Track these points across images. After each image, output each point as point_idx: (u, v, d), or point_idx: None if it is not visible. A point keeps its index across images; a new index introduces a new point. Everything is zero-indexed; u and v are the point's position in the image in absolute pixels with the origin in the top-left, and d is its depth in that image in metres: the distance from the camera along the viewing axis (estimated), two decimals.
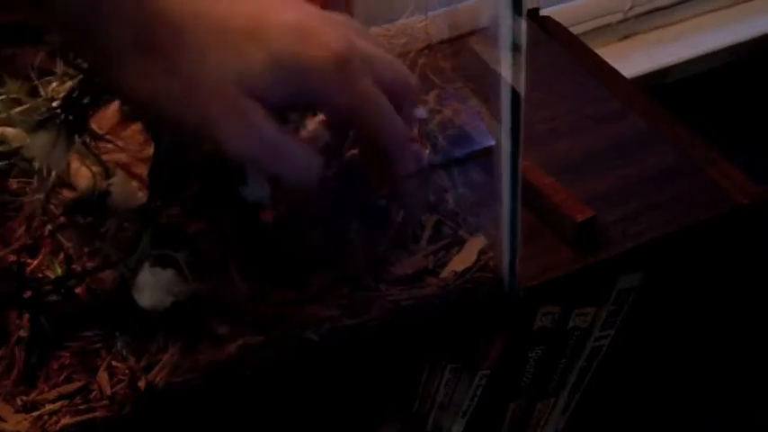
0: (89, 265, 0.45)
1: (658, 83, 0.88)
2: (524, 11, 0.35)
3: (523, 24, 0.35)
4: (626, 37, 0.92)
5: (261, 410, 0.45)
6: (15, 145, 0.46)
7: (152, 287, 0.40)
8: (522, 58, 0.36)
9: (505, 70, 0.36)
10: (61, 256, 0.46)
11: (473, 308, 0.45)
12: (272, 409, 0.46)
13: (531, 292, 0.48)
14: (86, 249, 0.45)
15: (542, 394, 0.59)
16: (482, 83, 0.55)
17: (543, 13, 0.69)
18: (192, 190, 0.48)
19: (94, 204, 0.46)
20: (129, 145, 0.51)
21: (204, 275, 0.43)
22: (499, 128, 0.39)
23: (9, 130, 0.46)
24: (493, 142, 0.50)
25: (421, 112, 0.55)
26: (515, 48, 0.35)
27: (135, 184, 0.47)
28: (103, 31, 0.37)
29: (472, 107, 0.55)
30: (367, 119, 0.41)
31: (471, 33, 0.63)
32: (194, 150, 0.46)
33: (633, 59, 0.86)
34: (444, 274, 0.43)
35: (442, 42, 0.63)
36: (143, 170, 0.49)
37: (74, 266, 0.45)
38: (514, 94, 0.36)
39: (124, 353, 0.41)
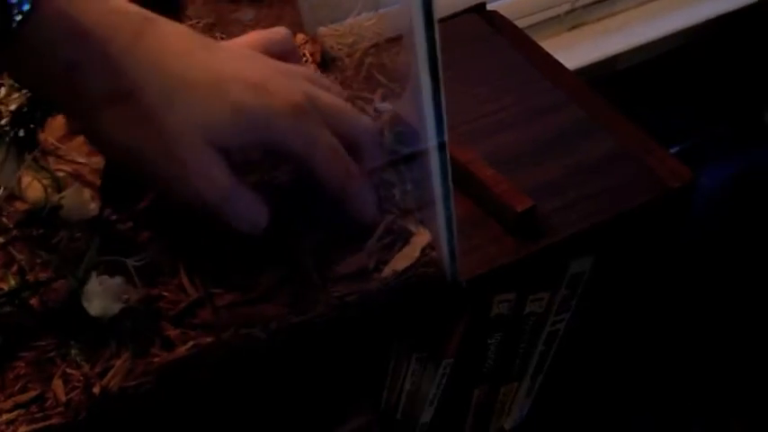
0: (42, 276, 0.46)
1: (609, 71, 0.90)
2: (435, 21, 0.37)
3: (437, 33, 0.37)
4: (574, 27, 0.94)
5: (216, 411, 0.46)
6: None
7: (100, 295, 0.41)
8: (436, 35, 0.37)
9: (420, 54, 0.37)
10: (14, 267, 0.47)
11: (417, 302, 0.47)
12: (227, 408, 0.47)
13: (478, 282, 0.49)
14: (38, 261, 0.46)
15: (505, 378, 0.61)
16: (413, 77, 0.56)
17: (490, 7, 0.70)
18: (142, 199, 0.49)
19: (46, 217, 0.47)
20: (79, 155, 0.51)
21: (154, 281, 0.44)
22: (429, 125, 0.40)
23: None
24: (415, 149, 0.51)
25: (385, 105, 0.56)
26: (428, 24, 0.36)
27: (87, 195, 0.48)
28: (79, 83, 0.40)
29: (414, 104, 0.56)
30: (321, 167, 0.44)
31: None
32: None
33: (582, 49, 0.88)
34: (386, 272, 0.45)
35: (389, 40, 0.64)
36: (94, 180, 0.50)
37: (27, 278, 0.46)
38: (433, 76, 0.38)
39: (78, 360, 0.42)
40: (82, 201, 0.47)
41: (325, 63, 0.62)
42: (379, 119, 0.56)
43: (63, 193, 0.47)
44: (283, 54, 0.48)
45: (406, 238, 0.47)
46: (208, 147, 0.41)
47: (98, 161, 0.50)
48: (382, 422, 0.58)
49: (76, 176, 0.50)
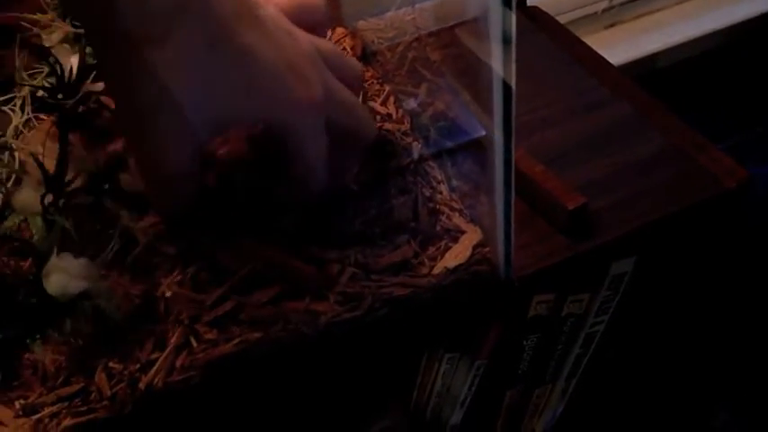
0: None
1: (648, 69, 0.88)
2: (514, 4, 0.35)
3: (513, 17, 0.36)
4: (611, 25, 0.92)
5: (254, 407, 0.45)
6: None
7: (58, 271, 0.40)
8: (513, 50, 0.36)
9: (496, 62, 0.36)
10: None
11: (468, 301, 0.46)
12: (268, 404, 0.46)
13: (525, 281, 0.48)
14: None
15: (539, 381, 0.60)
16: (470, 74, 0.55)
17: (531, 3, 0.69)
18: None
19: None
20: (32, 149, 0.50)
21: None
22: (491, 119, 0.39)
23: None
24: (483, 133, 0.50)
25: (411, 103, 0.55)
26: (505, 40, 0.35)
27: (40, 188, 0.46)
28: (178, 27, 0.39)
29: (462, 99, 0.55)
30: (303, 166, 0.44)
31: (458, 25, 0.63)
32: None
33: (619, 47, 0.86)
34: (438, 269, 0.44)
35: (430, 35, 0.63)
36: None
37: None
38: (506, 85, 0.36)
39: (36, 351, 0.41)
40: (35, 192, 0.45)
41: (366, 57, 0.61)
42: (423, 113, 0.55)
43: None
44: (313, 24, 0.47)
45: (455, 235, 0.46)
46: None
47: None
48: (411, 423, 0.57)
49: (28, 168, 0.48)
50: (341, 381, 0.49)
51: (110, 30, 0.39)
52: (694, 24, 0.90)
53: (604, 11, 0.90)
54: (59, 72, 0.47)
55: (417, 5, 0.66)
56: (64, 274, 0.40)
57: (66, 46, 0.48)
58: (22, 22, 0.56)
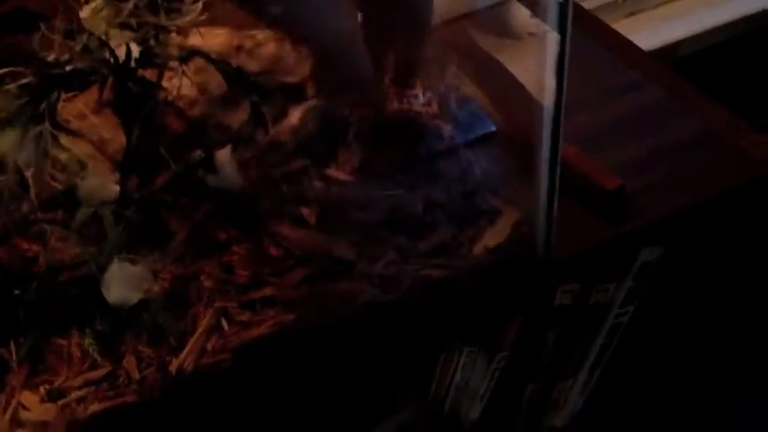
0: (64, 259, 0.43)
1: (670, 58, 0.87)
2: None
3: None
4: (631, 14, 0.91)
5: (283, 391, 0.44)
6: None
7: (120, 283, 0.39)
8: (568, 25, 0.35)
9: (551, 39, 0.35)
10: (37, 249, 0.44)
11: (506, 282, 0.44)
12: (293, 389, 0.45)
13: (560, 266, 0.47)
14: (60, 244, 0.44)
15: (562, 374, 0.59)
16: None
17: None
18: (162, 180, 0.46)
19: (66, 199, 0.44)
20: (98, 135, 0.49)
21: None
22: (541, 95, 0.38)
23: None
24: (493, 128, 0.49)
25: (441, 86, 0.55)
26: (562, 18, 0.34)
27: (108, 176, 0.45)
28: None
29: (491, 82, 0.54)
30: None
31: (490, 8, 0.62)
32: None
33: (640, 36, 0.85)
34: (477, 249, 0.42)
35: (459, 18, 0.62)
36: (112, 161, 0.47)
37: (51, 261, 0.44)
38: (560, 64, 0.36)
39: (91, 350, 0.40)
40: (102, 181, 0.44)
41: None
42: (452, 96, 0.54)
43: (83, 173, 0.44)
44: None
45: (492, 216, 0.45)
46: None
47: (118, 141, 0.48)
48: (430, 416, 0.56)
49: (96, 157, 0.47)
50: (365, 368, 0.48)
51: None
52: (716, 12, 0.89)
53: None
54: (115, 57, 0.45)
55: None
56: (124, 287, 0.40)
57: (103, 14, 0.47)
58: None
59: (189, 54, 0.46)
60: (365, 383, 0.49)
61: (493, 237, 0.43)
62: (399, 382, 0.52)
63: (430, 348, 0.51)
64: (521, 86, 0.48)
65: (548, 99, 0.37)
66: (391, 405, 0.54)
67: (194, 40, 0.48)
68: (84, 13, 0.49)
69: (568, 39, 0.36)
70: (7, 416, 0.40)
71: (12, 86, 0.42)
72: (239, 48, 0.50)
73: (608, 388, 0.61)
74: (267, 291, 0.42)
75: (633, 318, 0.56)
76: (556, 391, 0.60)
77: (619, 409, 0.66)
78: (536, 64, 0.56)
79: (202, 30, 0.47)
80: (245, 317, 0.41)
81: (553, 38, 0.37)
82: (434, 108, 0.53)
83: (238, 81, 0.44)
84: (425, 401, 0.55)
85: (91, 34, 0.44)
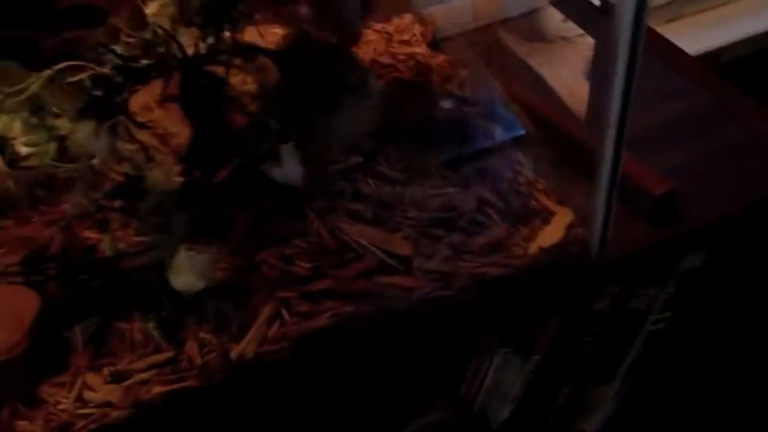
0: (130, 246, 0.45)
1: (712, 64, 0.86)
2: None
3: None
4: (671, 20, 0.91)
5: (326, 383, 0.45)
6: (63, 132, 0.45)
7: (188, 270, 0.40)
8: (643, 30, 0.36)
9: (622, 45, 0.36)
10: (96, 237, 0.46)
11: (557, 282, 0.45)
12: (336, 381, 0.45)
13: (608, 268, 0.47)
14: (128, 231, 0.45)
15: (596, 378, 0.59)
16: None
17: None
18: (225, 173, 0.47)
19: (134, 188, 0.45)
20: (163, 128, 0.50)
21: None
22: (606, 96, 0.39)
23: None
24: (522, 132, 0.50)
25: (487, 88, 0.55)
26: (637, 22, 0.35)
27: (173, 167, 0.47)
28: None
29: (540, 85, 0.55)
30: None
31: (534, 11, 0.62)
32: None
33: (681, 42, 0.85)
34: (532, 249, 0.43)
35: (503, 21, 0.63)
36: (175, 153, 0.48)
37: (119, 247, 0.45)
38: (630, 65, 0.36)
39: (155, 334, 0.41)
40: (168, 172, 0.45)
41: (437, 43, 0.61)
42: (500, 98, 0.55)
43: (150, 164, 0.46)
44: None
45: (545, 216, 0.45)
46: None
47: (183, 134, 0.49)
48: (458, 417, 0.57)
49: (161, 149, 0.48)
50: (394, 372, 0.48)
51: None
52: (758, 20, 0.89)
53: (667, 4, 0.88)
54: (183, 52, 0.46)
55: None
56: (191, 275, 0.41)
57: (169, 11, 0.48)
58: None
59: (251, 51, 0.47)
60: (403, 381, 0.50)
61: (547, 237, 0.44)
62: (428, 384, 0.53)
63: (467, 347, 0.52)
64: (574, 90, 0.48)
65: (609, 104, 0.38)
66: (423, 405, 0.55)
67: (251, 37, 0.50)
68: (150, 9, 0.50)
69: (641, 46, 0.37)
70: (73, 395, 0.41)
71: (83, 77, 0.44)
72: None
73: (641, 394, 0.61)
74: (326, 283, 0.42)
75: (670, 324, 0.57)
76: (589, 395, 0.60)
77: (650, 415, 0.65)
78: (586, 67, 0.57)
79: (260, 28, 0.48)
80: (304, 307, 0.42)
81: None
82: (483, 109, 0.54)
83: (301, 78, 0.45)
84: (455, 402, 0.56)
85: (160, 29, 0.45)
